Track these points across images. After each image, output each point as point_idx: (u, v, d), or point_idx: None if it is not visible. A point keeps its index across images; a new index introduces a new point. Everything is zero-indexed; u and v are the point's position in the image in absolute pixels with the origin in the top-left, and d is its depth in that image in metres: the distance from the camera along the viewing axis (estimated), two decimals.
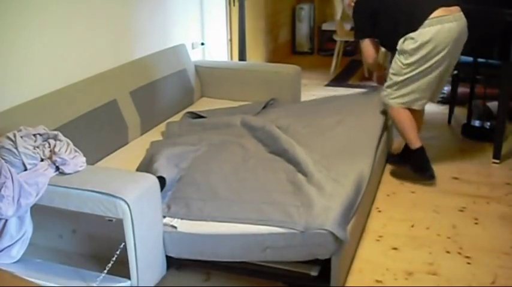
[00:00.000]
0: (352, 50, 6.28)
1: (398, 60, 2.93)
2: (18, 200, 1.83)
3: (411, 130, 3.03)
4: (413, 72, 2.89)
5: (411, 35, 2.84)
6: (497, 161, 3.32)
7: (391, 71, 3.01)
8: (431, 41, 2.80)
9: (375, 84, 3.68)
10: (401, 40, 2.88)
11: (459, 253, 2.42)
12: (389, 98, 3.02)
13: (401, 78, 2.94)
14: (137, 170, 2.46)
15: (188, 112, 3.28)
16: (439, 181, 3.12)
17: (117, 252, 1.90)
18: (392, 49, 3.02)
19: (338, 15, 5.56)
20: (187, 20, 3.92)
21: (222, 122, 3.06)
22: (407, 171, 3.12)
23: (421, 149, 3.03)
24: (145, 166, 2.42)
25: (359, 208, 2.29)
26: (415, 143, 3.03)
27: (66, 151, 2.00)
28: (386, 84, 3.06)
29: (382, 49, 5.02)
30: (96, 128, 2.62)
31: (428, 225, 2.65)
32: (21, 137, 1.96)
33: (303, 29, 6.64)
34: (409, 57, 2.87)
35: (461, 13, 2.88)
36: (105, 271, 1.89)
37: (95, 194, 1.86)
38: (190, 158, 2.56)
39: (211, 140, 2.78)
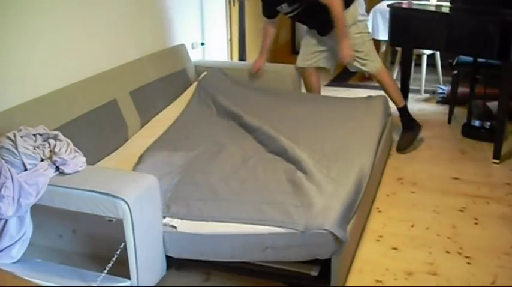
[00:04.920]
0: None
1: (355, 33, 3.29)
2: (18, 200, 1.83)
3: (398, 89, 3.52)
4: (369, 36, 3.39)
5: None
6: (497, 161, 3.32)
7: (358, 48, 3.31)
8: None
9: (375, 84, 3.68)
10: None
11: (459, 253, 2.42)
12: (377, 66, 3.40)
13: (368, 43, 3.37)
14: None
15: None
16: (439, 181, 3.12)
17: (117, 252, 1.90)
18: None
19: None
20: (187, 20, 3.92)
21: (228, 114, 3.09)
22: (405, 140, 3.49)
23: (406, 106, 3.54)
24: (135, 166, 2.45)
25: (359, 208, 2.29)
26: (401, 102, 3.49)
27: (66, 151, 2.00)
28: (366, 60, 3.36)
29: (383, 49, 5.06)
30: (96, 128, 2.62)
31: (428, 225, 2.65)
32: (21, 137, 1.96)
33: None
34: (360, 24, 3.31)
35: None
36: (105, 271, 1.89)
37: (95, 194, 1.86)
38: (188, 159, 2.56)
39: (210, 141, 2.77)
